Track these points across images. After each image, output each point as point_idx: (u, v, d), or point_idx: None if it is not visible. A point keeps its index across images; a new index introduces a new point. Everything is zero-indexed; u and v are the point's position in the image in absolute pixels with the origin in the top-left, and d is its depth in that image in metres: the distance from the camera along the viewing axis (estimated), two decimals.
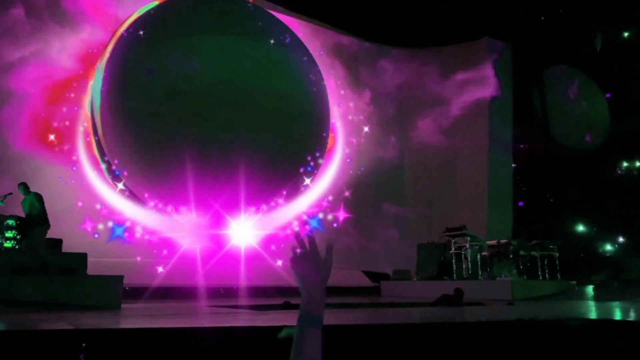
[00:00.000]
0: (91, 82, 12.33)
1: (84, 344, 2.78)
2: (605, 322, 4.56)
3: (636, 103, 17.19)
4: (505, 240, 11.64)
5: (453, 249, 11.87)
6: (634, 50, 17.30)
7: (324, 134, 14.76)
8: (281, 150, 13.32)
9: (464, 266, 11.73)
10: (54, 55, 11.68)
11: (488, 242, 11.80)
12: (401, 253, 13.91)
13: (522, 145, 18.46)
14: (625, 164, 18.13)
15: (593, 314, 5.60)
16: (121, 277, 7.38)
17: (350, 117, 15.89)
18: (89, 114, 12.29)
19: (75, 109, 12.09)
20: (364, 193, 15.51)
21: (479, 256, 11.49)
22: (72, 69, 12.02)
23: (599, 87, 18.17)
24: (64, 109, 11.89)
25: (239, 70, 13.07)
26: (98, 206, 11.77)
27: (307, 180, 14.22)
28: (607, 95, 18.24)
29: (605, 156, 17.79)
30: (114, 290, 7.21)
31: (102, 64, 12.31)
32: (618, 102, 17.81)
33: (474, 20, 15.43)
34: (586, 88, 18.24)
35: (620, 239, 17.59)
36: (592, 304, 7.83)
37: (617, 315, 5.46)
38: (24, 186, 8.45)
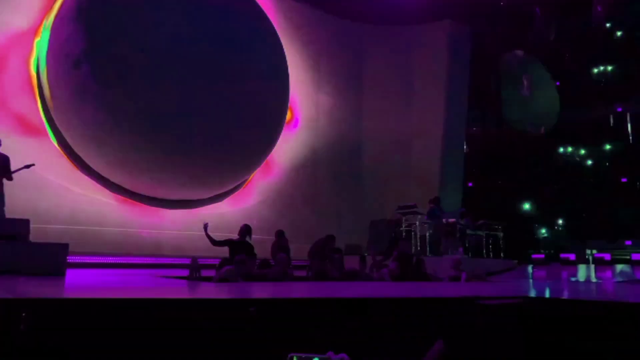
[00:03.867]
0: (37, 40, 11.62)
1: (24, 314, 2.69)
2: (541, 300, 4.84)
3: (582, 92, 17.96)
4: (453, 220, 12.05)
5: (404, 226, 12.18)
6: (585, 40, 17.92)
7: (284, 106, 14.56)
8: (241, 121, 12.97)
9: (413, 243, 12.07)
10: None
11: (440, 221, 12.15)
12: (354, 229, 14.12)
13: (475, 129, 19.01)
14: (570, 149, 19.00)
15: (532, 292, 5.91)
16: (66, 245, 7.14)
17: (309, 92, 15.78)
18: (34, 74, 11.62)
19: (20, 67, 11.38)
20: (320, 168, 15.56)
21: (427, 233, 11.84)
22: (18, 25, 11.25)
23: (550, 75, 18.85)
24: (8, 68, 11.17)
25: (202, 31, 12.39)
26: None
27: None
28: (557, 83, 18.96)
29: (551, 142, 18.61)
30: (58, 258, 6.97)
31: (49, 21, 11.60)
32: (566, 91, 18.56)
33: (437, 2, 15.51)
34: (539, 75, 18.86)
35: (560, 221, 18.58)
36: (530, 282, 8.26)
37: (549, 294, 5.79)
38: None
